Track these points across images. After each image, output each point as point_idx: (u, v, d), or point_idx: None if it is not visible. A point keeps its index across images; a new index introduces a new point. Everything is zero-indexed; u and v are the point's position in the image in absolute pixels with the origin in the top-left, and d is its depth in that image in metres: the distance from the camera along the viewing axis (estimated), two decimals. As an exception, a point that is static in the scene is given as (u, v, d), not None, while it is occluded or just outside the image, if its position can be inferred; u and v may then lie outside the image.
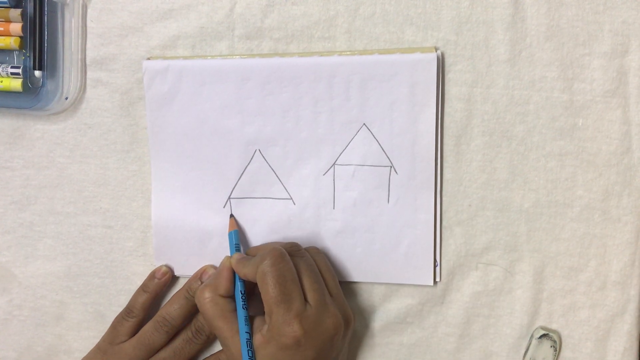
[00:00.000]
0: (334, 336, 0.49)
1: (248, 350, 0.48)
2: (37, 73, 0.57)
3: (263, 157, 0.56)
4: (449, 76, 0.54)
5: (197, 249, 0.58)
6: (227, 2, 0.55)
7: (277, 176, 0.56)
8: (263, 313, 0.50)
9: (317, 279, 0.50)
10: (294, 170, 0.56)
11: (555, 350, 0.55)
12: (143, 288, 0.58)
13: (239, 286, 0.52)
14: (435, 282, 0.56)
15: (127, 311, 0.58)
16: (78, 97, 0.58)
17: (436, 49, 0.53)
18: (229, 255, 0.54)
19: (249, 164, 0.56)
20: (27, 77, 0.57)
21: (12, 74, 0.57)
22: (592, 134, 0.53)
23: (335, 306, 0.50)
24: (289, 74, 0.54)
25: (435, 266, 0.55)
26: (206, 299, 0.52)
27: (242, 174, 0.56)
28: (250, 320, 0.51)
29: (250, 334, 0.49)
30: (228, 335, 0.50)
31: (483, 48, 0.53)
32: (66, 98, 0.57)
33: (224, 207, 0.57)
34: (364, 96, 0.53)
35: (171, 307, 0.56)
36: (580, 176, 0.53)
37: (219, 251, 0.58)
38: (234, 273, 0.53)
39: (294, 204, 0.56)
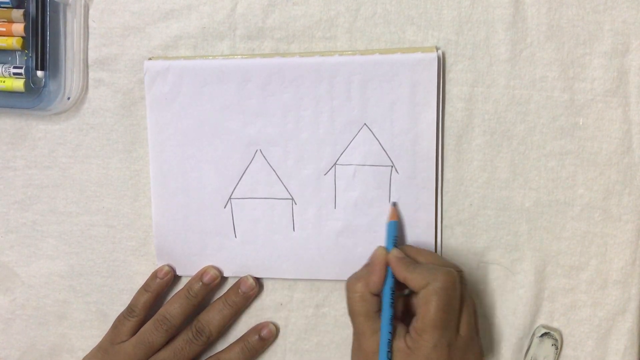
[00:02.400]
0: None
1: (388, 352, 0.48)
2: (40, 73, 0.57)
3: (264, 157, 0.56)
4: (449, 76, 0.54)
5: (198, 249, 0.58)
6: (229, 2, 0.56)
7: (278, 176, 0.56)
8: (400, 317, 0.50)
9: (472, 312, 0.50)
10: (295, 171, 0.56)
11: (557, 348, 0.55)
12: (145, 288, 0.58)
13: (389, 283, 0.50)
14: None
15: (129, 311, 0.58)
16: (80, 97, 0.59)
17: (437, 49, 0.53)
18: (383, 246, 0.52)
19: (250, 164, 0.56)
20: (30, 77, 0.57)
21: (14, 74, 0.57)
22: (593, 133, 0.53)
23: (478, 343, 0.50)
24: (290, 74, 0.54)
25: (436, 265, 0.55)
26: (356, 293, 0.50)
27: (243, 174, 0.56)
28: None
29: (392, 335, 0.49)
30: (367, 334, 0.49)
31: (484, 48, 0.53)
32: (68, 98, 0.58)
33: (224, 207, 0.57)
34: (365, 96, 0.53)
35: (171, 306, 0.57)
36: (581, 175, 0.53)
37: (220, 251, 0.58)
38: (386, 268, 0.51)
39: (295, 204, 0.56)
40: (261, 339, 0.58)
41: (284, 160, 0.56)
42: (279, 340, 0.59)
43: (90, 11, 0.58)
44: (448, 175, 0.55)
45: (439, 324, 0.46)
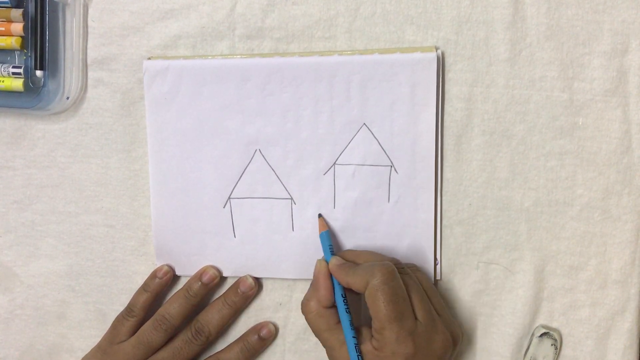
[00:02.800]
0: (444, 355, 0.49)
1: (358, 355, 0.48)
2: (39, 73, 0.57)
3: (263, 157, 0.56)
4: (449, 76, 0.54)
5: (198, 249, 0.58)
6: (228, 2, 0.56)
7: (277, 176, 0.56)
8: (364, 321, 0.50)
9: (424, 298, 0.50)
10: (294, 170, 0.56)
11: (556, 348, 0.55)
12: (144, 287, 0.58)
13: (339, 291, 0.51)
14: (435, 280, 0.56)
15: (128, 310, 0.58)
16: (79, 96, 0.59)
17: (436, 49, 0.53)
18: (322, 259, 0.53)
19: (249, 163, 0.56)
20: (29, 77, 0.57)
21: (13, 73, 0.57)
22: (592, 133, 0.53)
23: (443, 324, 0.50)
24: (290, 73, 0.54)
25: (435, 265, 0.55)
26: (312, 312, 0.51)
27: (243, 174, 0.56)
28: (354, 328, 0.50)
29: (357, 340, 0.49)
30: (336, 346, 0.50)
31: (483, 47, 0.53)
32: (67, 98, 0.58)
33: (224, 207, 0.57)
34: (364, 96, 0.53)
35: (170, 306, 0.57)
36: (581, 175, 0.53)
37: (219, 251, 0.58)
38: (331, 278, 0.52)
39: (295, 203, 0.56)
40: (260, 338, 0.58)
41: (283, 160, 0.56)
42: (278, 340, 0.59)
43: (90, 11, 0.58)
44: (447, 175, 0.55)
45: (393, 316, 0.47)
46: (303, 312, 0.52)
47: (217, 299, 0.58)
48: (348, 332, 0.49)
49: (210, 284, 0.57)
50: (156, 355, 0.56)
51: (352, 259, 0.53)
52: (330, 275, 0.52)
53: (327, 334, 0.51)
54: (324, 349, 0.57)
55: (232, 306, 0.57)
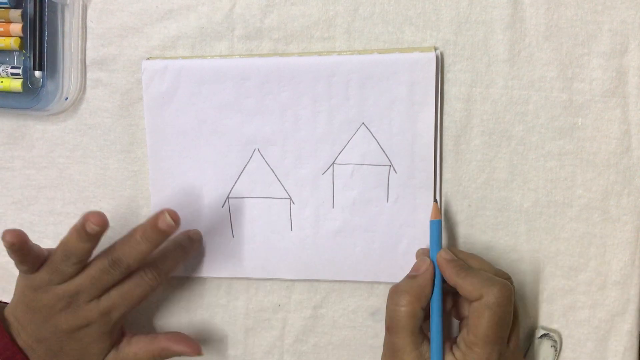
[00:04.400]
0: None
1: None
2: (37, 73, 0.57)
3: (262, 156, 0.56)
4: (448, 76, 0.54)
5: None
6: (227, 2, 0.56)
7: (276, 176, 0.56)
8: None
9: (518, 323, 0.49)
10: (292, 170, 0.56)
11: (556, 350, 0.55)
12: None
13: (438, 294, 0.49)
14: (434, 281, 0.56)
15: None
16: (78, 97, 0.59)
17: (435, 49, 0.53)
18: (427, 253, 0.51)
19: (247, 163, 0.56)
20: (27, 78, 0.57)
21: (12, 74, 0.57)
22: (592, 134, 0.53)
23: (522, 354, 0.49)
24: (288, 73, 0.54)
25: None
26: (403, 307, 0.48)
27: (241, 173, 0.56)
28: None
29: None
30: (408, 349, 0.47)
31: (482, 48, 0.53)
32: (66, 98, 0.58)
33: (222, 206, 0.57)
34: (363, 95, 0.53)
35: (127, 251, 0.52)
36: (580, 176, 0.53)
37: (217, 251, 0.58)
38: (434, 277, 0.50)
39: (293, 203, 0.56)
40: (191, 239, 0.56)
41: (281, 160, 0.56)
42: (277, 342, 0.59)
43: (89, 11, 0.58)
44: (446, 175, 0.55)
45: (492, 339, 0.45)
46: (393, 302, 0.48)
47: (134, 230, 0.53)
48: (437, 344, 0.47)
49: (168, 231, 0.52)
50: (74, 280, 0.52)
51: (464, 259, 0.50)
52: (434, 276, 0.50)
53: (407, 334, 0.47)
54: (326, 348, 0.57)
55: (151, 242, 0.52)
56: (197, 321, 0.60)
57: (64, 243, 0.52)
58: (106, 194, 0.60)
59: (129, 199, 0.59)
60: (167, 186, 0.58)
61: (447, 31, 0.53)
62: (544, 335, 0.55)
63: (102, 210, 0.59)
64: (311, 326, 0.58)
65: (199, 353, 0.55)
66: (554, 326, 0.55)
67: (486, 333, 0.45)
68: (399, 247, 0.55)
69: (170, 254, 0.55)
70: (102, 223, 0.50)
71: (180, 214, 0.57)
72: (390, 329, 0.48)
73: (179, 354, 0.55)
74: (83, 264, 0.52)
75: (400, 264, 0.55)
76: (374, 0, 0.54)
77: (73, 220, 0.59)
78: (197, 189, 0.57)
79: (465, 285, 0.47)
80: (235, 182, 0.56)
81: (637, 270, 0.54)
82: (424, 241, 0.55)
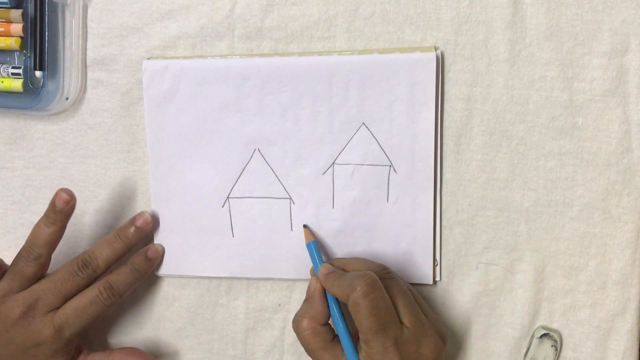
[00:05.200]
0: (436, 358, 0.48)
1: None
2: (38, 73, 0.57)
3: (262, 156, 0.56)
4: (448, 76, 0.54)
5: (196, 248, 0.58)
6: (227, 2, 0.56)
7: (276, 175, 0.56)
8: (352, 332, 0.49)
9: (411, 301, 0.49)
10: (293, 170, 0.56)
11: (556, 349, 0.55)
12: (47, 220, 0.53)
13: (334, 306, 0.50)
14: (435, 281, 0.56)
15: (27, 251, 0.53)
16: (78, 97, 0.59)
17: (436, 49, 0.53)
18: (315, 275, 0.52)
19: (248, 163, 0.56)
20: (28, 78, 0.57)
21: (12, 74, 0.57)
22: (592, 133, 0.53)
23: (431, 326, 0.49)
24: (289, 73, 0.54)
25: (435, 265, 0.55)
26: (306, 330, 0.50)
27: (241, 173, 0.56)
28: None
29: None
30: None
31: (482, 48, 0.53)
32: (67, 98, 0.58)
33: (222, 206, 0.57)
34: (363, 95, 0.53)
35: (98, 249, 0.54)
36: (580, 175, 0.53)
37: (218, 251, 0.58)
38: (325, 293, 0.51)
39: (293, 203, 0.56)
40: (148, 259, 0.57)
41: (282, 160, 0.56)
42: (277, 342, 0.59)
43: (89, 11, 0.58)
44: (447, 175, 0.55)
45: (376, 327, 0.46)
46: (296, 330, 0.51)
47: (110, 233, 0.56)
48: (349, 350, 0.48)
49: (144, 228, 0.56)
50: (36, 285, 0.53)
51: (341, 267, 0.52)
52: (325, 291, 0.51)
53: (322, 352, 0.49)
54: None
55: (125, 241, 0.55)
56: (197, 321, 0.60)
57: (31, 233, 0.53)
58: (106, 194, 0.60)
59: (129, 199, 0.59)
60: (167, 186, 0.58)
61: (448, 31, 0.53)
62: (544, 335, 0.55)
63: (102, 211, 0.59)
64: (311, 326, 0.58)
65: None
66: (554, 326, 0.55)
67: (368, 325, 0.46)
68: (399, 247, 0.55)
69: (126, 275, 0.55)
70: (71, 200, 0.53)
71: (181, 214, 0.57)
72: (308, 353, 0.50)
73: None
74: (43, 260, 0.53)
75: (400, 264, 0.55)
76: (374, 0, 0.54)
77: (73, 220, 0.59)
78: (198, 189, 0.57)
79: (336, 291, 0.49)
80: (236, 182, 0.56)
81: (638, 269, 0.54)
82: (424, 242, 0.55)
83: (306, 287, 0.57)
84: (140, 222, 0.56)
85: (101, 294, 0.53)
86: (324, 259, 0.54)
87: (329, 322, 0.51)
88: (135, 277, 0.56)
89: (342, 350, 0.49)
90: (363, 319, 0.46)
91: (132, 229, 0.56)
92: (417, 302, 0.50)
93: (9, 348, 0.52)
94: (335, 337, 0.50)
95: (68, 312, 0.52)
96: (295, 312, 0.52)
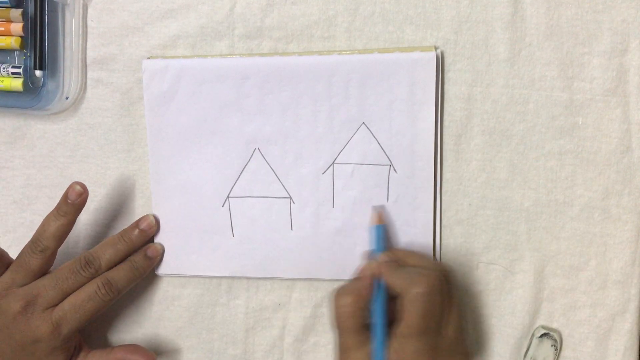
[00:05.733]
0: None
1: None
2: (38, 73, 0.57)
3: (262, 156, 0.56)
4: (448, 75, 0.54)
5: (196, 248, 0.58)
6: (227, 1, 0.56)
7: (276, 175, 0.56)
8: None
9: (459, 313, 0.50)
10: (293, 169, 0.56)
11: (556, 349, 0.55)
12: (57, 212, 0.55)
13: (382, 296, 0.49)
14: (435, 281, 0.56)
15: (34, 244, 0.54)
16: (79, 96, 0.59)
17: (436, 48, 0.53)
18: (369, 252, 0.52)
19: (248, 162, 0.56)
20: (28, 77, 0.57)
21: (12, 73, 0.57)
22: (592, 133, 0.53)
23: (464, 344, 0.50)
24: (288, 72, 0.54)
25: (435, 265, 0.55)
26: (345, 308, 0.49)
27: (241, 172, 0.56)
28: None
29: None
30: (354, 348, 0.48)
31: (482, 47, 0.53)
32: (67, 98, 0.58)
33: (222, 206, 0.57)
34: (363, 95, 0.53)
35: (101, 249, 0.55)
36: (580, 175, 0.53)
37: (218, 250, 0.58)
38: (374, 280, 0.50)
39: (293, 202, 0.56)
40: (147, 257, 0.57)
41: (282, 159, 0.56)
42: (277, 341, 0.59)
43: (89, 11, 0.58)
44: (447, 174, 0.55)
45: (422, 329, 0.46)
46: (335, 303, 0.49)
47: (114, 235, 0.57)
48: (380, 346, 0.48)
49: (148, 232, 0.57)
50: (38, 281, 0.53)
51: (402, 259, 0.51)
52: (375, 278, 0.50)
53: (352, 334, 0.48)
54: (326, 347, 0.57)
55: (129, 242, 0.56)
56: (197, 320, 0.60)
57: (39, 226, 0.54)
58: (106, 193, 0.60)
59: (129, 199, 0.59)
60: (167, 185, 0.58)
61: (448, 30, 0.53)
62: (545, 334, 0.55)
63: (102, 210, 0.59)
64: (311, 325, 0.58)
65: None
66: (554, 325, 0.55)
67: (416, 324, 0.46)
68: (399, 246, 0.55)
69: (125, 272, 0.55)
70: (83, 192, 0.54)
71: (181, 213, 0.57)
72: (337, 328, 0.50)
73: None
74: (49, 254, 0.54)
75: (400, 263, 0.55)
76: (374, -1, 0.54)
77: (74, 219, 0.59)
78: (198, 188, 0.57)
79: (394, 281, 0.48)
80: (236, 182, 0.56)
81: (638, 269, 0.54)
82: (424, 241, 0.55)
83: (307, 287, 0.57)
84: (144, 225, 0.57)
85: (99, 290, 0.53)
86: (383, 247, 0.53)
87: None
88: (134, 275, 0.56)
89: (368, 339, 0.48)
90: (415, 316, 0.46)
91: (136, 232, 0.57)
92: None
93: (8, 344, 0.52)
94: (366, 324, 0.49)
95: (66, 308, 0.52)
96: (340, 286, 0.50)
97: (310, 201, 0.56)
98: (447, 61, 0.54)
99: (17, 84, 0.57)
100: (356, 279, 0.51)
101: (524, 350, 0.56)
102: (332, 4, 0.54)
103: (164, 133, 0.57)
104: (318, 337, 0.58)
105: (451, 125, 0.54)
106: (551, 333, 0.55)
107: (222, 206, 0.57)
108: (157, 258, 0.58)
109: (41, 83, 0.57)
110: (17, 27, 0.56)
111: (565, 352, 0.55)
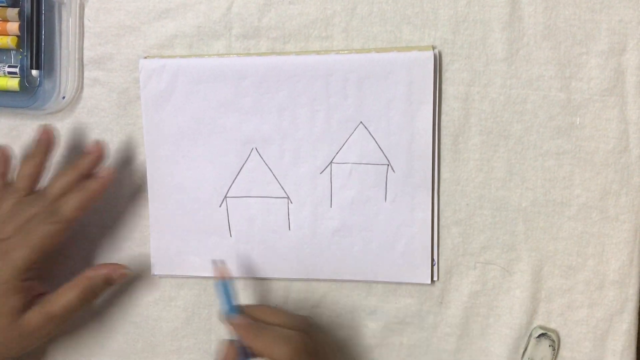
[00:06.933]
0: None
1: None
2: (35, 72, 0.57)
3: (260, 155, 0.56)
4: (446, 75, 0.54)
5: (194, 248, 0.58)
6: (224, 1, 0.56)
7: (273, 175, 0.56)
8: None
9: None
10: (290, 169, 0.56)
11: (554, 349, 0.55)
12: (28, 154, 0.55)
13: None
14: (432, 280, 0.56)
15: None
16: (75, 96, 0.58)
17: (433, 48, 0.53)
18: (224, 314, 0.50)
19: (245, 162, 0.56)
20: (25, 77, 0.57)
21: (9, 73, 0.57)
22: (590, 133, 0.53)
23: None
24: (286, 72, 0.54)
25: (432, 265, 0.55)
26: None
27: (239, 172, 0.56)
28: None
29: None
30: None
31: (480, 47, 0.53)
32: (63, 97, 0.57)
33: (220, 206, 0.57)
34: (361, 94, 0.53)
35: (54, 180, 0.54)
36: (578, 175, 0.53)
37: (215, 250, 0.58)
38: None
39: (291, 202, 0.56)
40: (95, 177, 0.55)
41: (279, 159, 0.55)
42: (275, 341, 0.59)
43: (86, 10, 0.58)
44: (444, 174, 0.55)
45: None
46: None
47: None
48: None
49: (93, 154, 0.55)
50: None
51: (261, 317, 0.50)
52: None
53: None
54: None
55: (76, 168, 0.55)
56: (194, 320, 0.60)
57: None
58: (104, 194, 0.59)
59: (127, 198, 0.59)
60: (164, 185, 0.57)
61: (445, 30, 0.53)
62: (542, 334, 0.55)
63: (99, 210, 0.59)
64: (309, 326, 0.58)
65: (124, 271, 0.55)
66: (552, 326, 0.55)
67: None
68: (397, 246, 0.55)
69: (73, 195, 0.53)
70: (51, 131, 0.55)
71: (179, 213, 0.57)
72: None
73: (107, 280, 0.54)
74: (22, 195, 0.53)
75: (398, 263, 0.55)
76: (371, -1, 0.54)
77: (70, 219, 0.59)
78: (195, 188, 0.57)
79: (257, 346, 0.47)
80: (233, 182, 0.56)
81: (635, 269, 0.54)
82: (422, 241, 0.55)
83: (304, 287, 0.57)
84: (91, 149, 0.55)
85: (46, 215, 0.52)
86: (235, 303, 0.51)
87: None
88: (82, 196, 0.53)
89: None
90: None
91: (84, 157, 0.55)
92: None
93: None
94: None
95: (16, 236, 0.52)
96: None
97: (308, 201, 0.56)
98: (445, 61, 0.54)
99: (13, 83, 0.57)
100: None
101: (522, 350, 0.56)
102: (330, 4, 0.54)
103: (161, 133, 0.57)
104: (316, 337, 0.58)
105: (449, 125, 0.54)
106: (549, 333, 0.55)
107: (220, 206, 0.57)
108: (107, 177, 0.55)
109: (38, 82, 0.57)
110: (13, 26, 0.56)
111: (563, 352, 0.55)
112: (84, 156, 0.55)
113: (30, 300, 0.52)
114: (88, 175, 0.55)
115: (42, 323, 0.52)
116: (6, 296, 0.51)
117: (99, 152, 0.56)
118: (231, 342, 0.49)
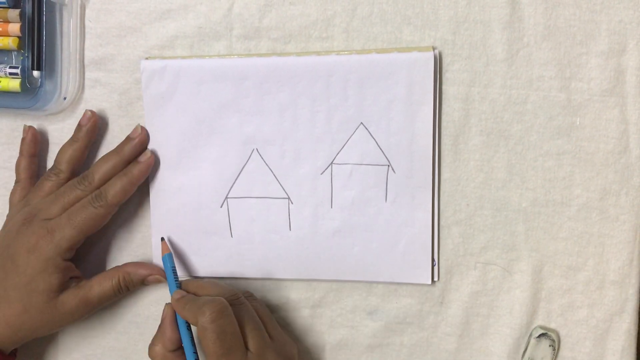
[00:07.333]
0: None
1: None
2: (36, 73, 0.57)
3: (260, 156, 0.56)
4: (446, 75, 0.54)
5: (195, 248, 0.58)
6: (225, 2, 0.56)
7: (274, 175, 0.56)
8: None
9: (257, 326, 0.50)
10: (291, 170, 0.56)
11: (554, 349, 0.55)
12: (72, 139, 0.58)
13: (185, 331, 0.52)
14: (433, 281, 0.56)
15: (52, 168, 0.57)
16: (76, 97, 0.59)
17: (433, 49, 0.53)
18: (168, 304, 0.53)
19: (246, 163, 0.56)
20: (26, 77, 0.57)
21: (10, 74, 0.57)
22: (590, 133, 0.53)
23: (275, 348, 0.51)
24: (287, 73, 0.54)
25: (433, 265, 0.55)
26: (157, 356, 0.52)
27: (240, 173, 0.56)
28: None
29: None
30: None
31: (480, 47, 0.53)
32: (64, 98, 0.58)
33: (221, 206, 0.57)
34: (362, 95, 0.53)
35: (99, 166, 0.56)
36: (578, 175, 0.53)
37: (216, 251, 0.58)
38: (175, 318, 0.52)
39: (292, 203, 0.56)
40: (138, 162, 0.56)
41: (280, 159, 0.56)
42: (276, 341, 0.59)
43: (87, 11, 0.58)
44: (445, 175, 0.55)
45: (220, 352, 0.47)
46: (149, 355, 0.52)
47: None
48: None
49: (137, 140, 0.56)
50: (42, 198, 0.56)
51: (194, 290, 0.53)
52: (176, 316, 0.52)
53: None
54: (324, 347, 0.57)
55: (121, 154, 0.56)
56: (195, 321, 0.60)
57: (57, 155, 0.57)
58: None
59: (127, 200, 0.59)
60: (165, 186, 0.58)
61: (446, 31, 0.53)
62: (542, 334, 0.55)
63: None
64: (309, 325, 0.58)
65: (159, 278, 0.57)
66: (552, 325, 0.55)
67: (213, 350, 0.47)
68: (397, 246, 0.55)
69: (116, 181, 0.55)
70: (92, 116, 0.57)
71: (180, 214, 0.57)
72: None
73: (143, 280, 0.57)
74: (63, 177, 0.56)
75: (398, 263, 0.55)
76: (372, 0, 0.54)
77: (71, 220, 0.59)
78: (196, 189, 0.57)
79: (187, 314, 0.50)
80: (234, 182, 0.56)
81: (635, 269, 0.54)
82: (422, 241, 0.55)
83: (305, 287, 0.57)
84: (133, 135, 0.57)
85: (92, 200, 0.54)
86: (178, 277, 0.55)
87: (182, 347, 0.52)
88: (126, 182, 0.55)
89: None
90: (209, 343, 0.47)
91: (128, 143, 0.57)
92: (266, 325, 0.52)
93: (8, 257, 0.54)
94: None
95: (61, 216, 0.54)
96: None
97: (308, 201, 0.56)
98: (445, 61, 0.54)
99: (14, 84, 0.57)
100: (159, 327, 0.53)
101: (522, 350, 0.56)
102: (330, 5, 0.54)
103: (163, 134, 0.57)
104: (316, 337, 0.58)
105: (449, 126, 0.54)
106: (549, 333, 0.55)
107: (221, 207, 0.57)
108: (148, 162, 0.56)
109: (39, 83, 0.57)
110: (14, 27, 0.56)
111: (563, 352, 0.56)
112: (126, 141, 0.57)
113: (67, 281, 0.55)
114: (130, 160, 0.57)
115: (77, 307, 0.55)
116: (48, 272, 0.54)
117: (142, 138, 0.57)
118: (169, 318, 0.52)
